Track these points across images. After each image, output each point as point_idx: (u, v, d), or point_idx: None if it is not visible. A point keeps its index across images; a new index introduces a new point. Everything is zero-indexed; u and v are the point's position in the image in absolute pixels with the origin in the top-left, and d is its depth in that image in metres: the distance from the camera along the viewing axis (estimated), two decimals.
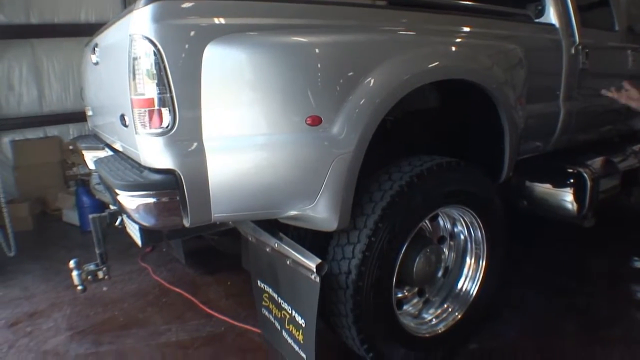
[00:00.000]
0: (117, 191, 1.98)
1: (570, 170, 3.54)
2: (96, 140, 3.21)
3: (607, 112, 4.04)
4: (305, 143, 1.95)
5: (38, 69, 6.21)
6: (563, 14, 3.38)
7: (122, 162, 2.32)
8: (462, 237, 2.76)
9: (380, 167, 2.40)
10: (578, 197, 3.48)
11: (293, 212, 2.06)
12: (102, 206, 3.29)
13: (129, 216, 2.03)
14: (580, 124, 3.66)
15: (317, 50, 2.01)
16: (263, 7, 2.03)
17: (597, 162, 3.78)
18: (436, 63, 2.35)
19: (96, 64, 2.73)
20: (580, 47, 3.42)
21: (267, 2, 2.05)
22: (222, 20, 1.90)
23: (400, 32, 2.40)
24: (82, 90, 3.66)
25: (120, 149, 2.52)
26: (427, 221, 2.57)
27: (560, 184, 3.56)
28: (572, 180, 3.52)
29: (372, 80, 2.06)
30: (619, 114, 4.22)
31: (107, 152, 2.78)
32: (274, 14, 2.02)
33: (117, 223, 2.84)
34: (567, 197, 3.53)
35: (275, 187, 1.98)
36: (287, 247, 2.15)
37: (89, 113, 3.44)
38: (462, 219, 2.71)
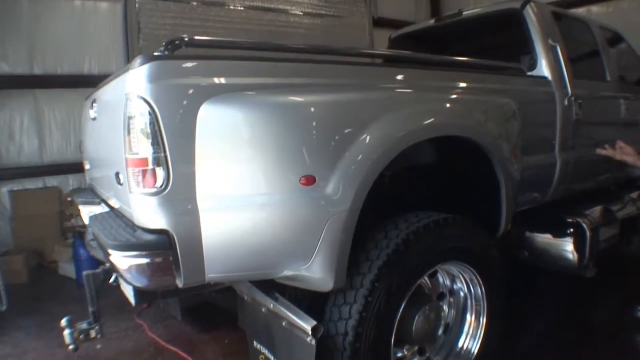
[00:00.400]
0: (110, 251, 1.95)
1: (570, 221, 3.53)
2: (93, 195, 3.21)
3: (603, 161, 4.05)
4: (299, 203, 1.94)
5: (40, 118, 6.26)
6: (555, 66, 3.44)
7: (116, 219, 2.30)
8: (462, 293, 2.71)
9: (378, 223, 2.38)
10: (578, 248, 3.45)
11: (288, 272, 2.03)
12: (99, 260, 3.26)
13: (121, 276, 2.00)
14: (577, 174, 3.66)
15: (312, 110, 2.03)
16: (256, 66, 2.08)
17: (595, 211, 3.77)
18: (431, 120, 2.37)
19: (94, 119, 2.76)
20: (573, 98, 3.47)
21: (260, 62, 2.09)
22: (218, 80, 1.93)
23: (397, 90, 2.44)
24: (81, 143, 3.69)
25: (116, 206, 2.51)
26: (426, 278, 2.53)
27: (560, 234, 3.54)
28: (571, 231, 3.50)
29: (368, 138, 2.07)
30: (615, 162, 4.24)
31: (103, 208, 2.77)
32: (266, 73, 2.06)
33: (111, 280, 2.80)
34: (568, 248, 3.50)
35: (269, 248, 1.96)
36: (282, 308, 2.12)
37: (87, 167, 3.45)
38: (461, 276, 2.67)
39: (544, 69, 3.43)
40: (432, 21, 4.60)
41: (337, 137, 2.02)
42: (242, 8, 7.09)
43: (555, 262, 3.55)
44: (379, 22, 8.73)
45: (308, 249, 1.97)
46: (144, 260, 1.86)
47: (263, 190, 1.92)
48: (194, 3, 6.63)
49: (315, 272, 2.00)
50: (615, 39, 4.63)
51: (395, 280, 2.19)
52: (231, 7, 6.99)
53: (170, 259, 1.85)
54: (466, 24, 4.20)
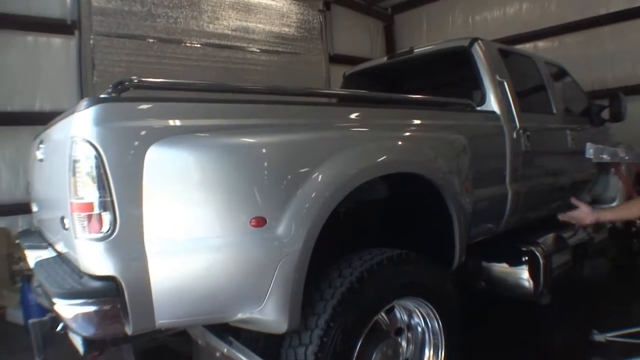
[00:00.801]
0: (54, 299, 1.88)
1: (524, 249, 3.60)
2: (40, 239, 3.10)
3: (553, 190, 4.18)
4: (250, 245, 1.92)
5: None
6: (503, 101, 3.56)
7: (62, 265, 2.22)
8: (419, 328, 2.70)
9: (332, 260, 2.37)
10: (533, 275, 3.51)
11: (241, 316, 1.98)
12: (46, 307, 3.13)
13: (67, 326, 1.93)
14: (529, 204, 3.76)
15: (263, 150, 2.03)
16: (204, 108, 2.08)
17: (548, 239, 3.86)
18: (383, 158, 2.40)
19: (41, 160, 2.69)
20: (521, 131, 3.58)
21: (207, 104, 2.10)
22: (166, 122, 1.91)
23: (349, 128, 2.48)
24: (29, 185, 3.58)
25: (62, 251, 2.43)
26: (383, 314, 2.52)
27: (514, 263, 3.60)
28: (526, 259, 3.56)
29: (320, 176, 2.08)
30: (564, 190, 4.38)
31: (49, 253, 2.67)
32: (215, 115, 2.06)
33: (58, 328, 2.68)
34: (523, 276, 3.56)
35: (221, 291, 1.92)
36: (237, 353, 2.08)
37: (34, 209, 3.34)
38: (417, 310, 2.67)
39: (492, 103, 3.54)
40: (385, 58, 4.70)
41: (288, 177, 2.02)
42: (199, 45, 7.10)
43: (511, 290, 3.61)
44: (335, 59, 8.90)
45: (260, 291, 1.94)
46: (91, 309, 1.79)
47: (213, 233, 1.89)
48: (150, 40, 6.60)
49: (269, 314, 1.97)
50: (560, 73, 4.84)
51: (350, 318, 2.17)
52: (188, 44, 6.99)
53: (118, 306, 1.79)
54: (417, 61, 4.31)
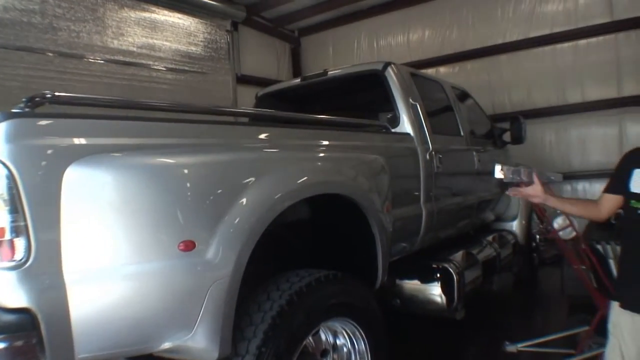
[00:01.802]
0: None
1: (437, 266, 3.73)
2: None
3: (462, 209, 4.40)
4: (178, 270, 1.84)
5: None
6: (416, 123, 3.70)
7: None
8: (345, 349, 2.70)
9: (257, 285, 2.32)
10: (446, 291, 3.65)
11: (168, 345, 1.89)
12: None
13: None
14: (441, 222, 3.92)
15: (185, 171, 1.96)
16: (125, 126, 1.98)
17: (459, 255, 4.04)
18: (307, 179, 2.41)
19: None
20: (433, 152, 3.74)
21: (129, 122, 2.00)
22: (84, 141, 1.79)
23: (270, 149, 2.46)
24: None
25: None
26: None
27: (428, 280, 3.72)
28: (439, 276, 3.69)
29: (245, 200, 2.04)
30: (472, 209, 4.62)
31: None
32: (136, 133, 1.97)
33: None
34: (436, 292, 3.68)
35: (147, 320, 1.82)
36: None
37: None
38: (343, 331, 2.67)
39: (406, 125, 3.68)
40: (298, 80, 4.75)
41: (213, 199, 1.97)
42: (102, 61, 6.80)
43: (425, 307, 3.72)
44: (243, 79, 8.89)
45: (190, 318, 1.86)
46: (3, 345, 1.62)
47: (138, 258, 1.79)
48: (50, 54, 6.23)
49: (199, 342, 1.89)
50: (465, 97, 5.13)
51: (282, 342, 2.13)
52: (91, 59, 6.67)
53: (34, 341, 1.63)
54: (331, 83, 4.40)
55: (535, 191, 2.84)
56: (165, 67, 7.57)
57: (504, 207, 5.54)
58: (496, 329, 4.48)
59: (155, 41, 7.48)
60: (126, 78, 7.08)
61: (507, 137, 5.35)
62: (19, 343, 1.63)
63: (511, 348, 3.77)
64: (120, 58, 7.01)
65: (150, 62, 7.39)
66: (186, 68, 7.88)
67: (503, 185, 5.17)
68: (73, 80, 6.42)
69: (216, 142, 2.26)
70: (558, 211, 3.83)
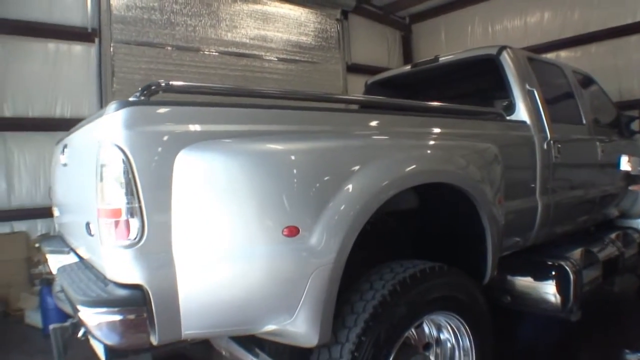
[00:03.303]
0: (79, 307, 1.83)
1: (552, 264, 3.49)
2: (62, 244, 3.06)
3: (582, 203, 4.07)
4: (282, 255, 1.85)
5: (9, 161, 6.06)
6: (533, 110, 3.47)
7: (85, 272, 2.18)
8: (449, 344, 2.61)
9: (359, 273, 2.29)
10: (561, 290, 3.41)
11: (270, 328, 1.92)
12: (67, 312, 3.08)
13: (90, 333, 1.87)
14: (558, 217, 3.66)
15: (293, 158, 1.97)
16: (235, 113, 2.02)
17: (577, 253, 3.75)
18: (414, 167, 2.33)
19: (65, 165, 2.65)
20: (552, 141, 3.48)
21: (239, 109, 2.03)
22: (195, 127, 1.86)
23: (379, 136, 2.40)
24: (50, 190, 3.55)
25: (85, 257, 2.38)
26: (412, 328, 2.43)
27: (543, 278, 3.49)
28: (554, 274, 3.45)
29: (351, 187, 2.01)
30: (594, 203, 4.27)
31: (72, 258, 2.63)
32: (246, 120, 2.01)
33: (80, 334, 2.63)
34: (551, 291, 3.45)
35: (250, 302, 1.86)
36: None
37: (56, 214, 3.31)
38: (448, 325, 2.58)
39: (522, 113, 3.46)
40: (408, 67, 4.63)
41: (319, 186, 1.97)
42: (216, 53, 7.11)
43: (539, 305, 3.49)
44: (353, 68, 8.87)
45: (292, 303, 1.87)
46: (116, 317, 1.74)
47: (244, 241, 1.83)
48: (169, 48, 6.62)
49: (300, 327, 1.90)
50: (588, 83, 4.73)
51: (382, 333, 2.09)
52: (206, 52, 7.01)
53: (145, 315, 1.73)
54: (442, 69, 4.24)
55: None
56: (276, 57, 7.76)
57: (630, 203, 5.06)
58: (615, 335, 4.12)
59: (267, 32, 7.69)
60: (239, 69, 7.36)
61: (635, 126, 4.88)
62: (131, 317, 1.74)
63: (632, 357, 3.46)
64: (234, 50, 7.28)
65: (263, 53, 7.60)
66: (297, 58, 8.02)
67: (630, 178, 4.76)
68: (190, 72, 6.79)
69: (325, 129, 2.24)
70: None
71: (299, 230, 1.87)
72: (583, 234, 4.36)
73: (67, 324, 2.64)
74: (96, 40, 6.24)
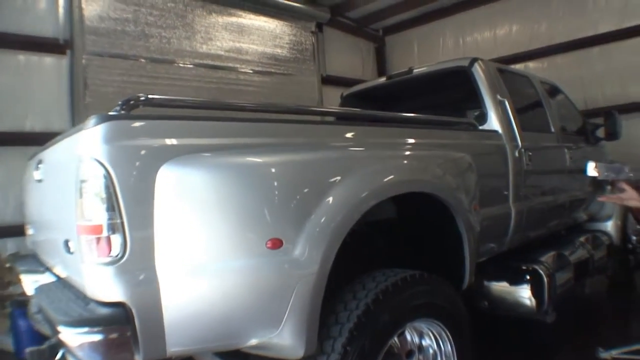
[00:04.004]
0: (59, 327, 1.79)
1: (526, 268, 3.56)
2: (36, 263, 3.00)
3: (553, 208, 4.18)
4: (266, 267, 1.86)
5: None
6: (504, 120, 3.56)
7: (64, 291, 2.14)
8: (431, 350, 2.64)
9: (339, 284, 2.30)
10: (536, 294, 3.48)
11: (256, 341, 1.91)
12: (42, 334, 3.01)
13: (72, 355, 1.84)
14: (530, 222, 3.74)
15: (273, 170, 1.98)
16: (217, 127, 2.02)
17: (549, 257, 3.84)
18: (393, 178, 2.37)
19: (40, 181, 2.61)
20: (523, 150, 3.57)
21: (221, 122, 2.04)
22: (177, 141, 1.86)
23: (356, 148, 2.43)
24: (23, 206, 3.47)
25: (63, 275, 2.34)
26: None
27: (518, 282, 3.56)
28: (528, 278, 3.53)
29: (332, 199, 2.03)
30: (564, 208, 4.38)
31: (48, 277, 2.57)
32: (227, 133, 2.01)
33: (58, 357, 2.58)
34: (526, 295, 3.52)
35: (236, 316, 1.86)
36: None
37: (30, 231, 3.24)
38: (430, 332, 2.61)
39: (493, 122, 3.55)
40: (383, 79, 4.70)
41: (300, 198, 1.98)
42: (191, 66, 7.05)
43: (515, 309, 3.56)
44: (328, 80, 8.90)
45: (278, 315, 1.88)
46: (99, 337, 1.70)
47: (228, 255, 1.83)
48: (143, 60, 6.54)
49: (286, 339, 1.90)
50: (555, 92, 4.88)
51: (367, 342, 2.10)
52: (181, 64, 6.95)
53: (128, 334, 1.71)
54: (416, 81, 4.32)
55: (629, 195, 2.65)
56: (252, 69, 7.73)
57: (597, 207, 5.21)
58: (589, 334, 4.23)
59: (242, 45, 7.66)
60: (214, 81, 7.31)
61: (600, 133, 5.04)
62: (115, 336, 1.71)
63: (605, 355, 3.56)
64: (209, 62, 7.23)
65: (238, 65, 7.57)
66: (272, 70, 8.01)
67: (597, 183, 4.90)
68: (164, 84, 6.70)
69: (303, 141, 2.27)
70: None
71: (282, 243, 1.88)
72: (555, 238, 4.47)
73: (44, 346, 2.58)
74: (68, 52, 6.10)
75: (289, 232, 1.91)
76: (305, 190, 2.00)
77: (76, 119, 5.85)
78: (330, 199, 2.04)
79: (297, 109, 2.99)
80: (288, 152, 2.11)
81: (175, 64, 6.86)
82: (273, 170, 1.99)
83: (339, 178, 2.12)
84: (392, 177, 2.37)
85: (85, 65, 6.07)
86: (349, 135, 2.54)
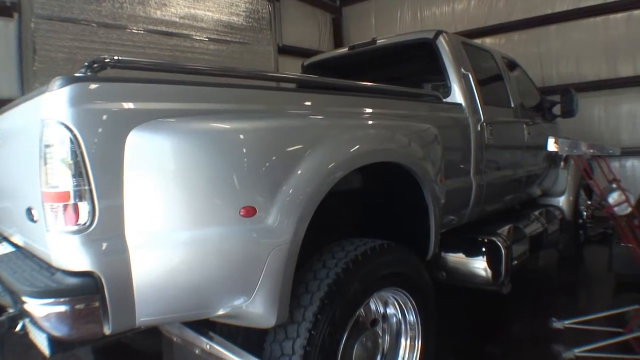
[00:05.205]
0: (24, 298, 1.72)
1: (484, 240, 3.66)
2: None
3: (510, 182, 4.29)
4: (239, 236, 1.84)
5: None
6: (468, 93, 3.60)
7: (26, 261, 2.06)
8: (394, 319, 2.69)
9: (307, 254, 2.30)
10: (493, 265, 3.59)
11: (227, 310, 1.90)
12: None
13: (38, 326, 1.78)
14: (489, 196, 3.83)
15: (242, 137, 1.94)
16: (186, 91, 1.96)
17: (506, 230, 3.95)
18: (363, 146, 2.37)
19: None
20: (484, 124, 3.63)
21: (190, 87, 1.98)
22: (148, 106, 1.79)
23: (323, 116, 2.41)
24: None
25: (21, 245, 2.25)
26: None
27: (475, 253, 3.66)
28: (485, 249, 3.62)
29: (300, 170, 2.01)
30: (520, 182, 4.51)
31: (5, 248, 2.47)
32: (197, 98, 1.96)
33: (17, 328, 2.49)
34: (482, 266, 3.62)
35: (208, 285, 1.83)
36: (220, 348, 1.98)
37: None
38: (395, 301, 2.66)
39: (457, 96, 3.59)
40: (346, 49, 4.66)
41: (270, 165, 1.95)
42: (145, 32, 6.82)
43: (472, 280, 3.66)
44: (284, 50, 8.84)
45: (250, 284, 1.86)
46: (67, 308, 1.64)
47: (201, 223, 1.79)
48: (94, 25, 6.26)
49: (257, 308, 1.89)
50: (513, 67, 4.96)
51: (338, 310, 2.12)
52: (134, 30, 6.70)
53: (97, 304, 1.66)
54: (379, 52, 4.31)
55: None
56: (207, 37, 7.55)
57: (551, 182, 5.39)
58: (542, 305, 4.41)
59: (197, 11, 7.46)
60: (169, 49, 7.09)
61: (557, 110, 5.18)
62: (82, 306, 1.65)
63: (558, 324, 3.72)
64: (163, 29, 7.01)
65: (193, 33, 7.38)
66: (228, 38, 7.85)
67: (551, 159, 5.06)
68: (117, 50, 6.45)
69: (273, 108, 2.23)
70: (614, 185, 3.71)
71: (255, 211, 1.85)
72: (511, 212, 4.60)
73: (3, 318, 2.49)
74: (15, 15, 5.80)
75: (262, 200, 1.88)
76: (274, 158, 1.97)
77: (25, 86, 5.60)
78: (300, 169, 2.01)
79: (261, 74, 2.89)
80: (258, 118, 2.07)
81: (128, 30, 6.62)
82: (242, 136, 1.94)
83: (307, 146, 2.09)
84: (364, 146, 2.37)
85: (33, 30, 5.76)
86: (315, 102, 2.50)
